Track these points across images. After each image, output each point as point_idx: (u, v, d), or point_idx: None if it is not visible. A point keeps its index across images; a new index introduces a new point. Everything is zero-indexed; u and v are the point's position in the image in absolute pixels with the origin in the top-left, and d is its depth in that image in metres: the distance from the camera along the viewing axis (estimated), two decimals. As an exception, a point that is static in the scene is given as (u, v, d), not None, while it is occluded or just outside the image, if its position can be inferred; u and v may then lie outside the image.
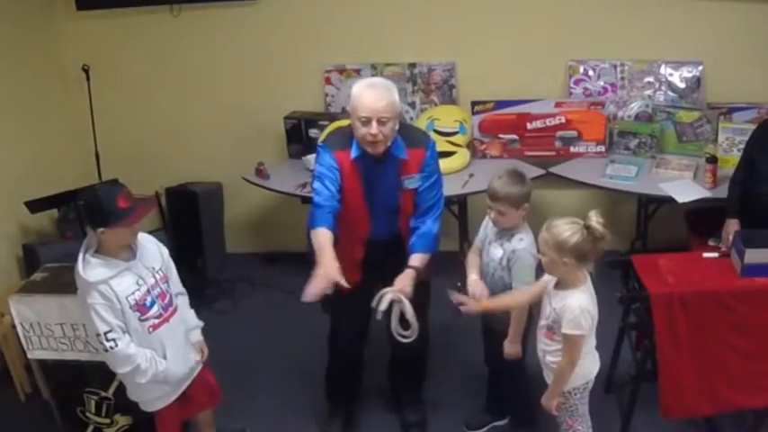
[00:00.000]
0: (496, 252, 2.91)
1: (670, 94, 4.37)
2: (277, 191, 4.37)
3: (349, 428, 3.40)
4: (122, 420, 3.21)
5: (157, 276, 2.74)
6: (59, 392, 3.23)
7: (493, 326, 3.04)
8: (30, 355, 3.16)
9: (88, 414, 3.21)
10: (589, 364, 2.74)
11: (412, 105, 4.67)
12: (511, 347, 2.96)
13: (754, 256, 2.88)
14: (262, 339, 4.12)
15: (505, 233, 2.90)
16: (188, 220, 4.67)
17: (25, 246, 4.15)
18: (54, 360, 3.12)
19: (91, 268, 2.60)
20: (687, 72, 4.33)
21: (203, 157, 4.87)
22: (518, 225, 2.89)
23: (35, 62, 4.53)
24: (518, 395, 3.22)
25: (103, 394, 3.15)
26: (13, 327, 3.21)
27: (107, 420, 3.22)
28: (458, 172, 4.29)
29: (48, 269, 3.26)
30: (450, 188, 4.12)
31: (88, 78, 4.51)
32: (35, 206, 4.06)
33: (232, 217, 4.96)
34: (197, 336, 2.98)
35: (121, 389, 3.04)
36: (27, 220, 4.23)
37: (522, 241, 2.86)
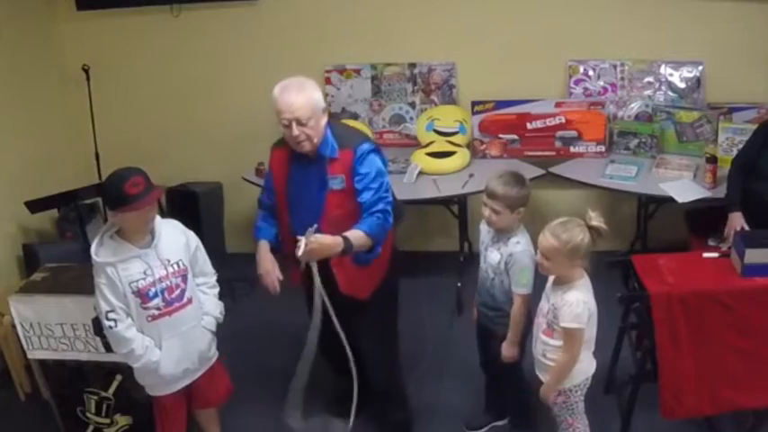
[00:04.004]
0: (494, 257, 2.91)
1: (670, 94, 4.36)
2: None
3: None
4: (122, 420, 3.21)
5: (170, 270, 2.72)
6: (59, 392, 3.22)
7: (491, 329, 3.04)
8: (30, 355, 3.17)
9: (88, 414, 3.21)
10: (588, 362, 2.75)
11: (412, 105, 4.66)
12: (509, 350, 2.94)
13: (754, 256, 2.87)
14: (261, 339, 4.12)
15: (502, 236, 2.90)
16: (188, 220, 4.61)
17: (25, 246, 4.15)
18: (54, 360, 3.12)
19: (103, 249, 2.65)
20: (687, 72, 4.32)
21: (203, 157, 4.87)
22: (513, 227, 2.88)
23: (35, 62, 4.54)
24: (517, 397, 3.22)
25: (103, 394, 3.15)
26: (13, 327, 3.21)
27: (107, 420, 3.22)
28: (458, 172, 4.29)
29: (48, 269, 3.26)
30: (451, 188, 4.15)
31: (88, 78, 4.51)
32: (35, 206, 4.06)
33: (232, 217, 4.95)
34: (206, 323, 2.90)
35: (121, 389, 3.05)
36: (27, 220, 4.23)
37: (519, 244, 2.86)
